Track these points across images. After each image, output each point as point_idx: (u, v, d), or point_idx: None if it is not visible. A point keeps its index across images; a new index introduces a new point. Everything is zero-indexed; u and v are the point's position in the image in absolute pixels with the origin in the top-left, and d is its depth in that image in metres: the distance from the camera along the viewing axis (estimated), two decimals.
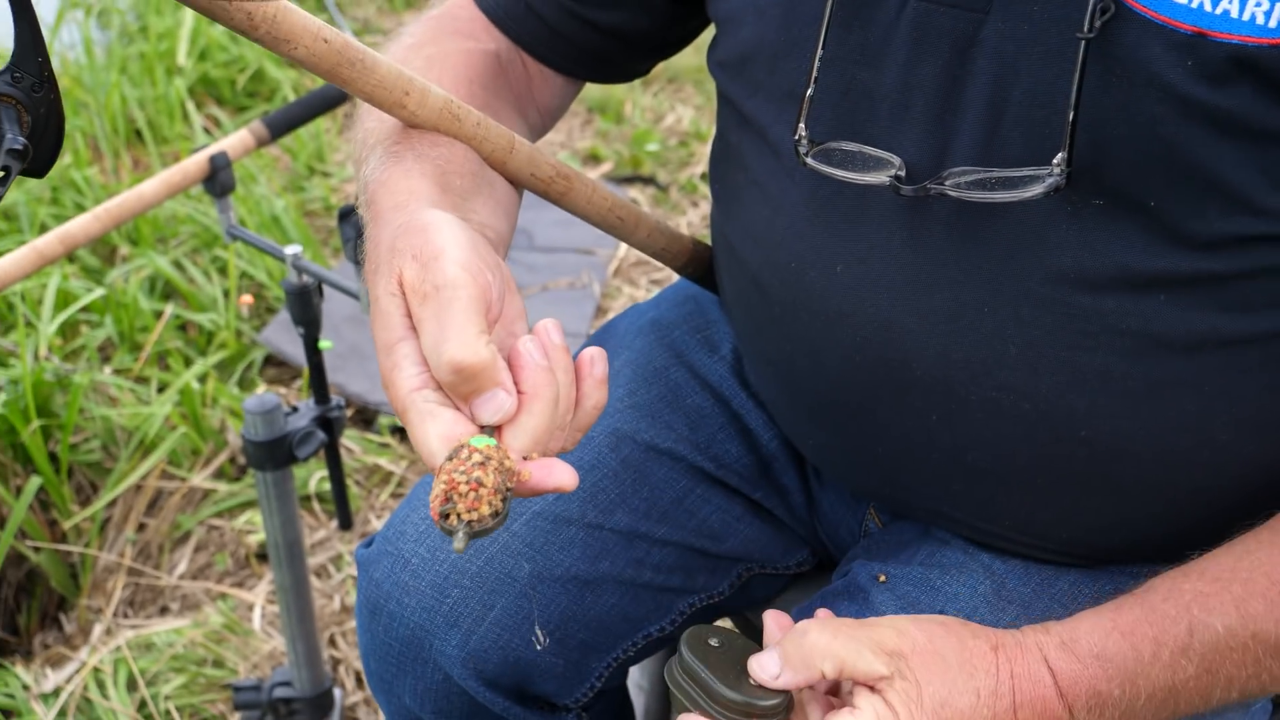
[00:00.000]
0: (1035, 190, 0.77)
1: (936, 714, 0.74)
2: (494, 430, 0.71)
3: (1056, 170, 0.76)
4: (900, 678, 0.75)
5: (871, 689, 0.76)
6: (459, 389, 0.70)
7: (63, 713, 2.07)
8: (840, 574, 1.05)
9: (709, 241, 1.15)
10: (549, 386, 0.71)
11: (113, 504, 2.64)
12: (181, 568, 2.48)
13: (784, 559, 1.16)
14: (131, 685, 2.09)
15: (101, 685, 2.09)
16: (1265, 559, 0.77)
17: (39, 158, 0.77)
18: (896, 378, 0.90)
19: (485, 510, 0.67)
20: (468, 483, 0.67)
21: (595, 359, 0.75)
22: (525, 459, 0.71)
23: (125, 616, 2.43)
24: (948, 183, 0.81)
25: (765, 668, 0.80)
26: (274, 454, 1.63)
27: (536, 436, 0.70)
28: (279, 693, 1.87)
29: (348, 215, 1.48)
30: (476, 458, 0.67)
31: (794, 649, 0.79)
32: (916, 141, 0.84)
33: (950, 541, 0.98)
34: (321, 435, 1.66)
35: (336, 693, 1.93)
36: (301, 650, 1.83)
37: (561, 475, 0.70)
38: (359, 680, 2.11)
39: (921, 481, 0.95)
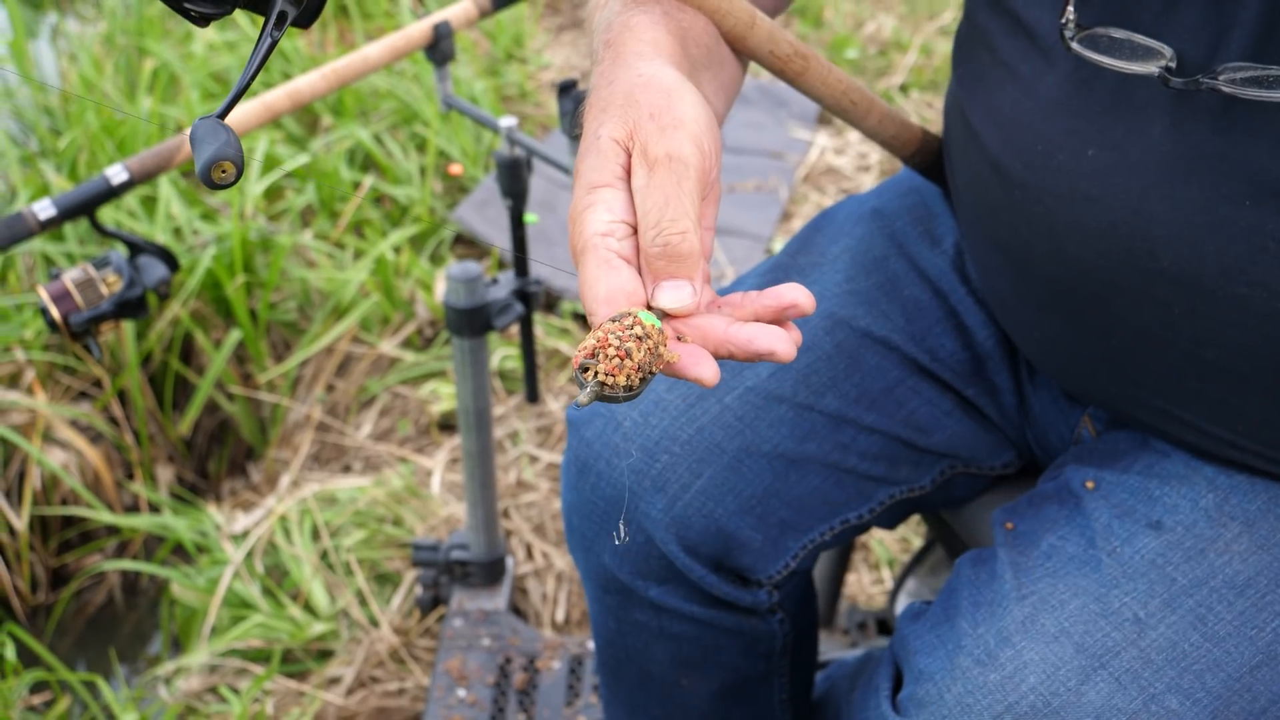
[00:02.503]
0: None
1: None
2: (663, 314, 0.71)
3: None
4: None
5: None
6: (656, 264, 0.70)
7: (250, 554, 2.18)
8: (1050, 477, 1.03)
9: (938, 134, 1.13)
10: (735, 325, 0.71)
11: (305, 363, 2.75)
12: (366, 429, 2.57)
13: (989, 459, 1.14)
14: (315, 535, 2.18)
15: (287, 532, 2.19)
16: None
17: (310, 6, 0.78)
18: (1141, 267, 0.86)
19: (621, 380, 0.68)
20: (618, 348, 0.68)
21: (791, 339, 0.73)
22: (679, 339, 0.71)
23: (310, 470, 2.54)
24: (1221, 77, 0.77)
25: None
26: (472, 322, 1.67)
27: (700, 336, 0.71)
28: (455, 554, 1.94)
29: (567, 89, 1.48)
30: (638, 330, 0.68)
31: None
32: (1190, 31, 0.80)
33: (1171, 454, 0.95)
34: (519, 307, 1.69)
35: (509, 560, 1.99)
36: (481, 516, 1.88)
37: (706, 370, 0.70)
38: (528, 552, 2.17)
39: (1153, 377, 0.91)
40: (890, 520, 1.15)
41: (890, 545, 2.22)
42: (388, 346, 2.68)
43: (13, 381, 2.60)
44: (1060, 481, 1.00)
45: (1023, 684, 0.85)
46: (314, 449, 2.61)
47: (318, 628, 2.01)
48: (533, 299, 1.73)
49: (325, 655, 2.03)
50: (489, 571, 1.94)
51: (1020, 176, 0.93)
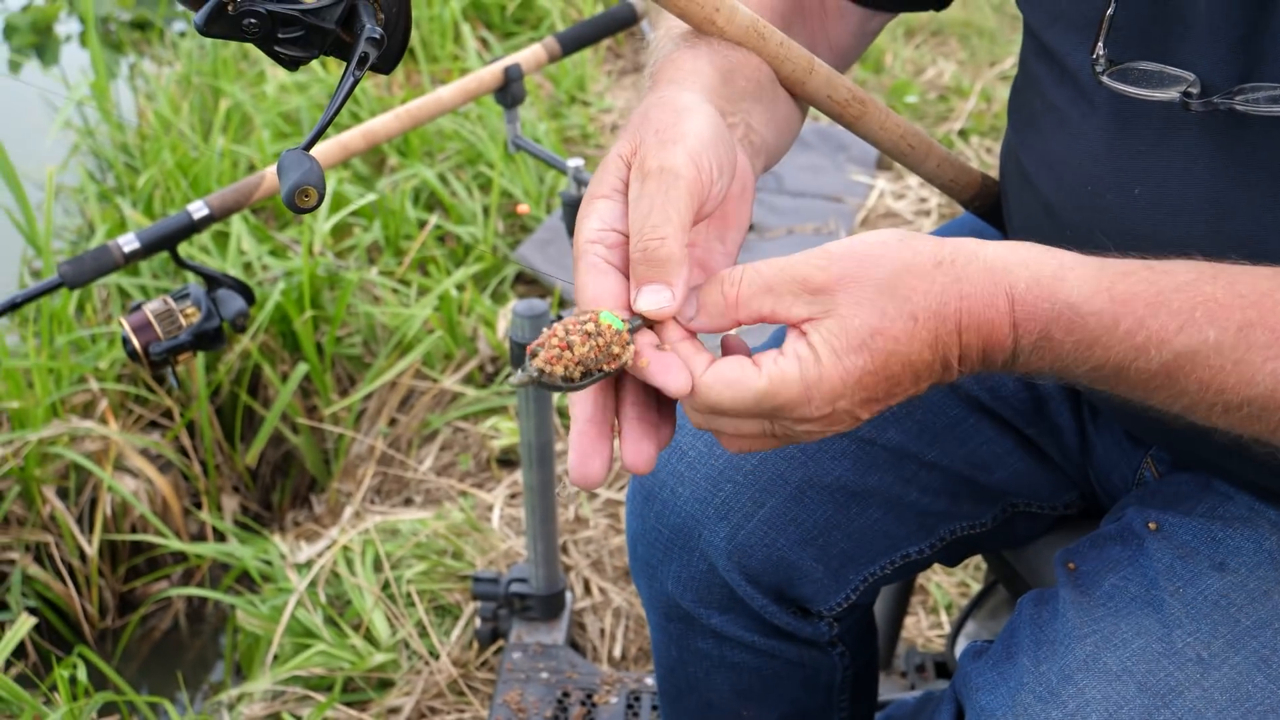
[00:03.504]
0: None
1: (865, 345, 0.67)
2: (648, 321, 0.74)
3: None
4: (826, 315, 0.68)
5: (800, 330, 0.70)
6: (638, 268, 0.73)
7: (313, 584, 2.22)
8: (1113, 518, 1.04)
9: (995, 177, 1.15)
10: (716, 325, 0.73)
11: (368, 397, 2.80)
12: (427, 463, 2.61)
13: (1051, 498, 1.15)
14: (377, 566, 2.22)
15: (350, 562, 2.23)
16: None
17: (389, 51, 0.82)
18: None
19: (558, 370, 0.71)
20: (561, 340, 0.71)
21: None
22: (657, 347, 0.73)
23: (372, 503, 2.58)
24: (1237, 99, 0.78)
25: (681, 307, 0.73)
26: None
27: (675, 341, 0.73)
28: (515, 588, 1.96)
29: None
30: (589, 326, 0.71)
31: (712, 296, 0.73)
32: (1219, 62, 0.82)
33: (1234, 496, 0.96)
34: None
35: (567, 595, 2.01)
36: (541, 550, 1.91)
37: (673, 379, 0.71)
38: (586, 587, 2.19)
39: None
40: (951, 558, 1.16)
41: (949, 589, 2.21)
42: (450, 382, 2.72)
43: (87, 410, 2.67)
44: (1123, 523, 1.01)
45: None
46: (376, 481, 2.65)
47: (378, 658, 2.04)
48: None
49: (385, 685, 2.06)
50: (548, 605, 1.96)
51: (1071, 217, 0.95)
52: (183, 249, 2.88)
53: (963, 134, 3.89)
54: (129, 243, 1.49)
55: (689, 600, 1.13)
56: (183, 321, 1.56)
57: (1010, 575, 1.22)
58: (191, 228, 1.52)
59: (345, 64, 0.78)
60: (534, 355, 0.72)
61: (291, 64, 0.82)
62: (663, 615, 1.18)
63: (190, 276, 2.60)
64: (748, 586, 1.09)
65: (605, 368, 0.72)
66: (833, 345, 0.68)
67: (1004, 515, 1.14)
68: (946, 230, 1.24)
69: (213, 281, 1.57)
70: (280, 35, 0.76)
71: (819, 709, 1.21)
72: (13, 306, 1.50)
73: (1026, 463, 1.13)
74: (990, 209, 1.15)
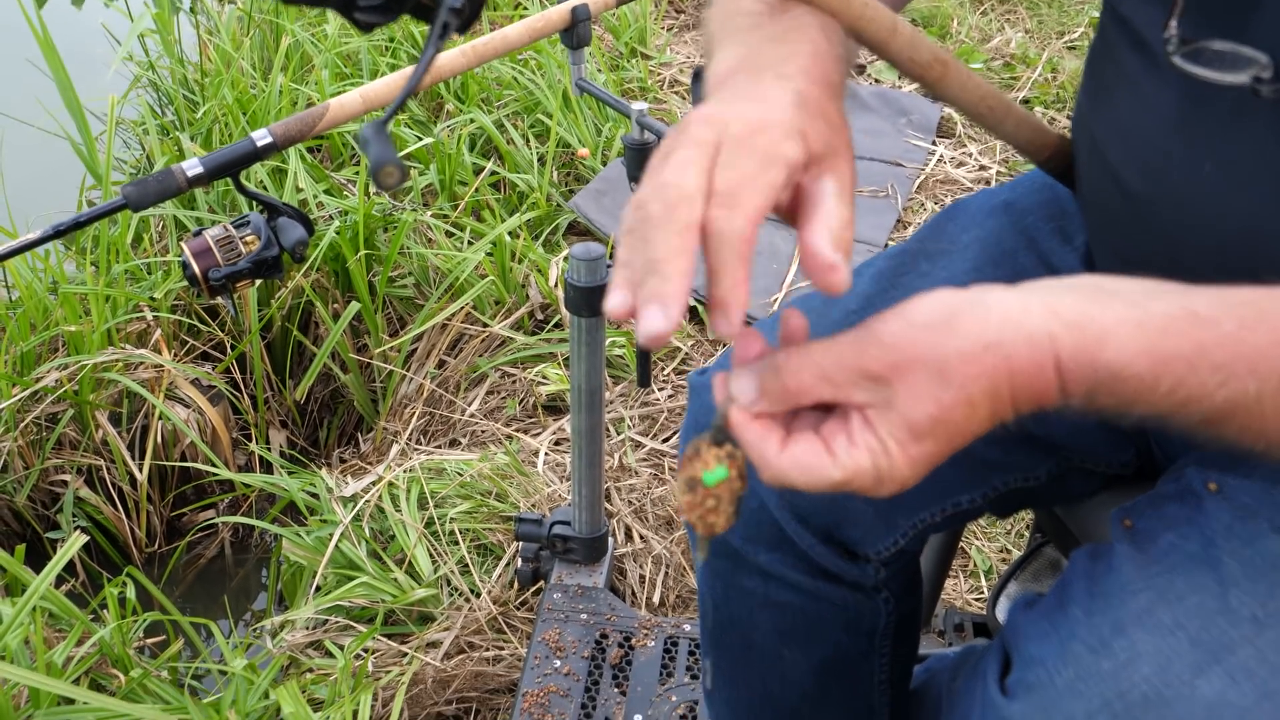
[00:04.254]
0: None
1: (930, 434, 0.68)
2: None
3: None
4: (887, 406, 0.68)
5: (865, 419, 0.69)
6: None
7: (358, 518, 2.24)
8: (1171, 477, 1.02)
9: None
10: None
11: (418, 338, 2.81)
12: (474, 406, 2.62)
13: (1108, 455, 1.13)
14: (422, 503, 2.23)
15: (395, 499, 2.25)
16: None
17: (468, 16, 0.81)
18: (1259, 282, 0.86)
19: (723, 530, 0.73)
20: (704, 527, 0.72)
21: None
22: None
23: (418, 443, 2.60)
24: None
25: (742, 391, 0.71)
26: (591, 301, 1.70)
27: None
28: (558, 530, 1.97)
29: (700, 75, 1.51)
30: (710, 503, 0.72)
31: (772, 379, 0.71)
32: None
33: None
34: None
35: (609, 540, 2.02)
36: (586, 494, 1.92)
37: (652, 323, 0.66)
38: (628, 534, 2.20)
39: None
40: (1003, 508, 1.15)
41: (990, 554, 2.21)
42: (500, 327, 2.73)
43: (141, 339, 2.70)
44: (1182, 483, 1.00)
45: (1135, 673, 0.85)
46: (422, 422, 2.67)
47: (420, 593, 2.06)
48: None
49: (426, 620, 2.08)
50: (590, 548, 1.97)
51: (1138, 189, 0.94)
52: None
53: (1026, 103, 3.84)
54: (193, 167, 1.50)
55: (738, 538, 1.13)
56: (242, 249, 1.57)
57: (1062, 532, 1.21)
58: (254, 155, 1.53)
59: (428, 31, 0.78)
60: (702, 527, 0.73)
61: (366, 27, 0.81)
62: (710, 552, 1.18)
63: (250, 206, 2.62)
64: (797, 525, 1.09)
65: (744, 493, 0.73)
66: (898, 438, 0.69)
67: (1059, 470, 1.13)
68: (1020, 182, 1.22)
69: (273, 210, 1.58)
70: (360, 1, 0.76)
71: (860, 654, 1.21)
72: (77, 225, 1.52)
73: (1084, 418, 1.12)
74: (1066, 170, 1.14)
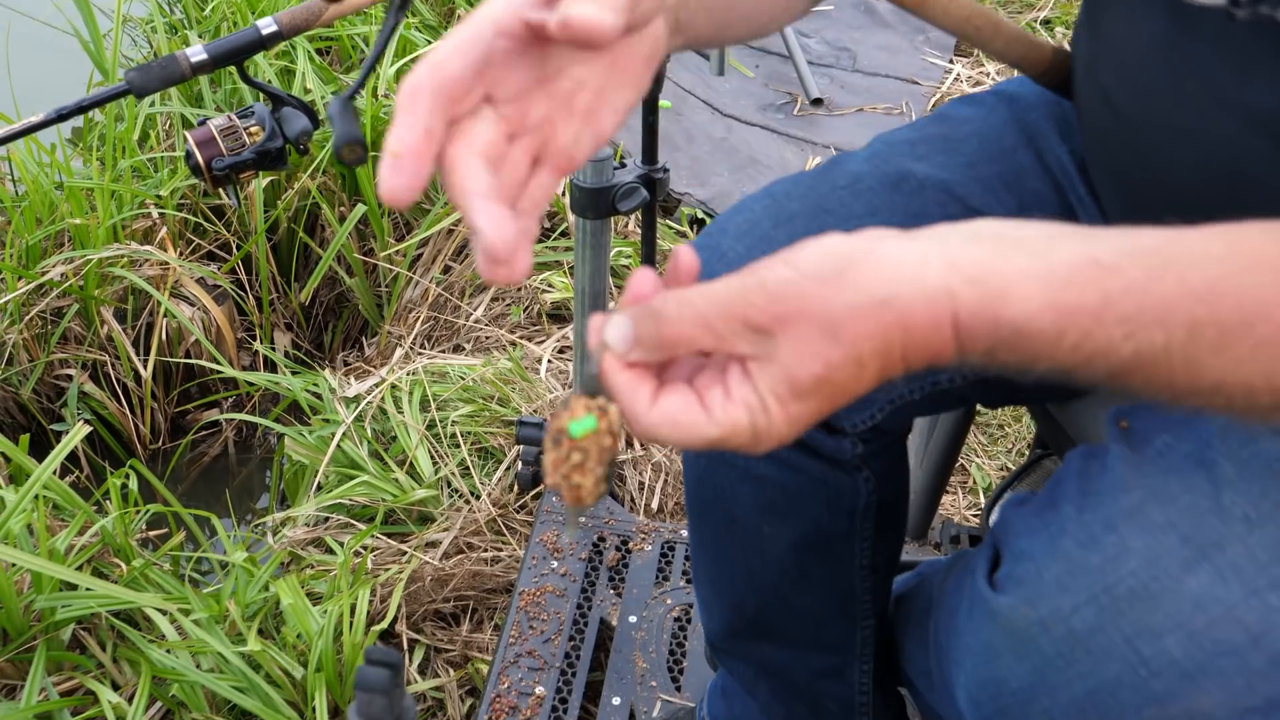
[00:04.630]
0: None
1: (812, 392, 0.63)
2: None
3: None
4: (769, 359, 0.63)
5: (745, 370, 0.65)
6: None
7: (360, 418, 2.25)
8: None
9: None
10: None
11: (424, 243, 2.80)
12: (478, 313, 2.62)
13: None
14: (424, 406, 2.24)
15: (397, 401, 2.26)
16: (1254, 284, 0.59)
17: None
18: (1241, 199, 0.86)
19: (589, 501, 0.66)
20: (569, 487, 0.65)
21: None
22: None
23: (422, 347, 2.60)
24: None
25: (616, 338, 0.65)
26: (597, 203, 1.69)
27: None
28: None
29: None
30: (575, 458, 0.65)
31: (649, 324, 0.65)
32: None
33: None
34: (644, 193, 1.70)
35: None
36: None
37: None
38: (628, 441, 2.21)
39: None
40: (989, 396, 1.14)
41: (990, 471, 2.21)
42: None
43: (146, 236, 2.69)
44: None
45: (1123, 568, 0.86)
46: (427, 327, 2.67)
47: (420, 493, 2.08)
48: (658, 186, 1.74)
49: (425, 520, 2.09)
50: None
51: (1128, 109, 0.93)
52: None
53: (1048, 24, 3.78)
54: (196, 54, 1.48)
55: None
56: (246, 139, 1.55)
57: (1057, 433, 1.21)
58: (259, 43, 1.51)
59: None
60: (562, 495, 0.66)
61: None
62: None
63: (255, 98, 2.59)
64: None
65: (615, 456, 0.66)
66: (779, 394, 0.63)
67: None
68: (1026, 79, 1.20)
69: (277, 100, 1.57)
70: None
71: (841, 534, 1.21)
72: (80, 109, 1.50)
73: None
74: (1063, 82, 1.13)
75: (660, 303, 0.65)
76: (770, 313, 0.62)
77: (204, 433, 2.68)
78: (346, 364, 2.80)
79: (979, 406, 1.59)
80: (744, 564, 1.26)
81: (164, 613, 1.78)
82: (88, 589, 1.75)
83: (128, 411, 2.56)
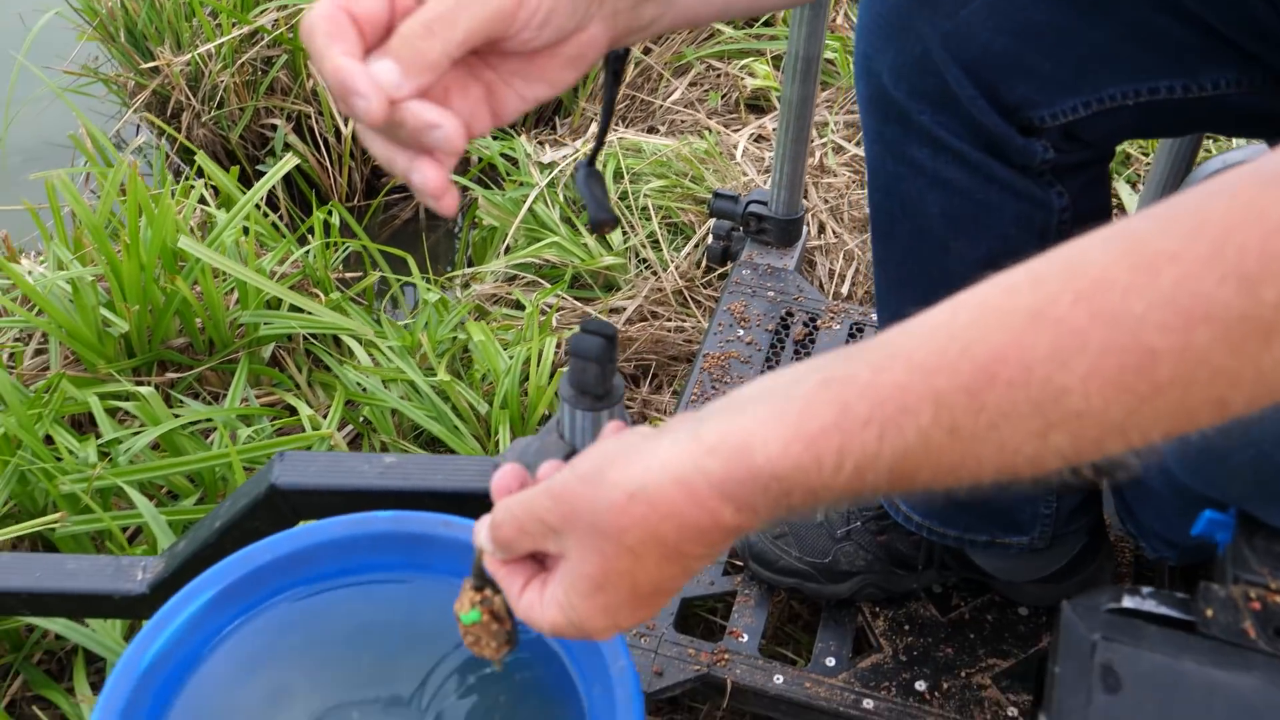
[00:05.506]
0: None
1: (602, 586, 0.66)
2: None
3: None
4: (564, 556, 0.68)
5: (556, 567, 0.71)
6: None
7: (553, 184, 2.25)
8: None
9: None
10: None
11: None
12: (675, 95, 2.58)
13: None
14: (617, 177, 2.23)
15: None
16: (982, 336, 0.56)
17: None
18: None
19: (497, 659, 0.79)
20: (478, 652, 0.79)
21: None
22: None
23: (616, 126, 2.58)
24: None
25: (482, 540, 0.73)
26: None
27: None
28: (753, 208, 1.95)
29: None
30: (470, 639, 0.78)
31: (488, 530, 0.73)
32: None
33: None
34: None
35: (803, 227, 1.99)
36: (788, 172, 1.88)
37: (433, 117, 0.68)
38: (821, 228, 2.17)
39: None
40: (1224, 123, 1.07)
41: None
42: None
43: None
44: None
45: None
46: (622, 107, 2.65)
47: (608, 259, 2.08)
48: None
49: (610, 287, 2.10)
50: (784, 230, 1.95)
51: None
52: None
53: None
54: None
55: (902, 91, 1.07)
56: None
57: None
58: None
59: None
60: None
61: None
62: (879, 118, 1.12)
63: None
64: (958, 71, 1.02)
65: (508, 629, 0.78)
66: (578, 589, 0.67)
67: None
68: None
69: None
70: None
71: (1030, 254, 1.15)
72: None
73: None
74: None
75: (497, 508, 0.72)
76: (556, 513, 0.67)
77: (396, 195, 2.73)
78: (540, 142, 2.80)
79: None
80: (928, 286, 1.20)
81: (359, 341, 1.84)
82: (292, 307, 1.81)
83: (327, 165, 2.61)
